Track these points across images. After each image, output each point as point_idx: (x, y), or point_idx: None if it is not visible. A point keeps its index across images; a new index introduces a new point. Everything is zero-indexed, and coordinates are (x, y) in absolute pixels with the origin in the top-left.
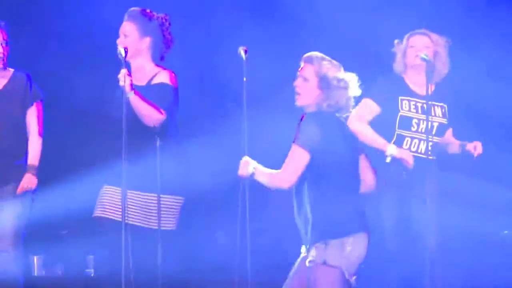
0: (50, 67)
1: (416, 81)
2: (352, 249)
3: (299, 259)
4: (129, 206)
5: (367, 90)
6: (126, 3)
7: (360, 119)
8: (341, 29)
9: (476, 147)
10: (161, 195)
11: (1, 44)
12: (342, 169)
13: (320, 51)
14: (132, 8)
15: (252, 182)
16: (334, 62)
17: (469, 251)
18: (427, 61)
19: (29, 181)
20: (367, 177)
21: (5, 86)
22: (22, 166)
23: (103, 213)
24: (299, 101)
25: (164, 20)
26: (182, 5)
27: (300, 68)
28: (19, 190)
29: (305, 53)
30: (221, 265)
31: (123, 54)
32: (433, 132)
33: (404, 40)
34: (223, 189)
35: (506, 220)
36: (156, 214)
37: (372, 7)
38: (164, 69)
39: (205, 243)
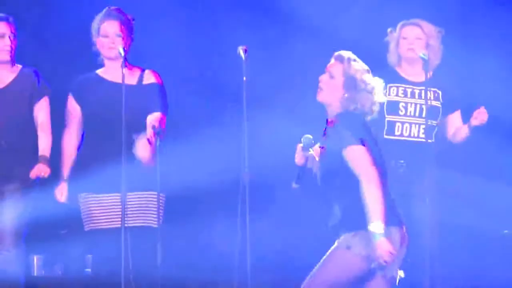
0: (49, 65)
1: (410, 72)
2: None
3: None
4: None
5: None
6: (125, 3)
7: None
8: (340, 29)
9: (480, 113)
10: (141, 193)
11: (9, 37)
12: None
13: (320, 51)
14: (112, 8)
15: (252, 182)
16: (364, 65)
17: (469, 251)
18: (425, 60)
19: (43, 169)
20: None
21: (13, 81)
22: (26, 165)
23: (99, 225)
24: (320, 96)
25: (132, 20)
26: (182, 5)
27: (329, 64)
28: (32, 174)
29: (304, 53)
30: (221, 265)
31: (123, 54)
32: (423, 115)
33: (397, 29)
34: (223, 189)
35: (506, 220)
36: (154, 212)
37: (371, 7)
38: (142, 68)
39: (204, 243)
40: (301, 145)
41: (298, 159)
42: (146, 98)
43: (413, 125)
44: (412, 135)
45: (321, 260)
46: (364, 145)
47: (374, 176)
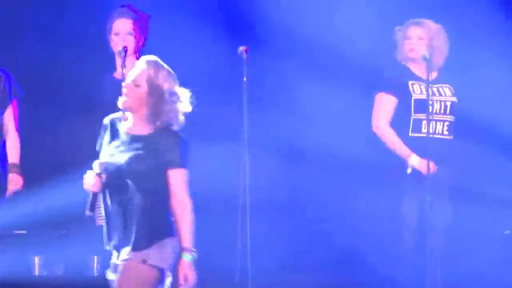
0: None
1: (418, 69)
2: (170, 250)
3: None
4: None
5: (377, 83)
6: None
7: (382, 121)
8: (340, 28)
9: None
10: None
11: None
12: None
13: (318, 51)
14: (125, 6)
15: (252, 181)
16: (172, 73)
17: (471, 251)
18: (427, 61)
19: (16, 181)
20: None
21: None
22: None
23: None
24: (124, 104)
25: (148, 18)
26: (182, 4)
27: (134, 70)
28: (8, 192)
29: (302, 53)
30: (221, 265)
31: (123, 54)
32: (447, 112)
33: (404, 28)
34: (222, 188)
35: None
36: None
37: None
38: None
39: (205, 243)
40: (97, 171)
41: (94, 186)
42: None
43: (438, 123)
44: (437, 132)
45: (116, 279)
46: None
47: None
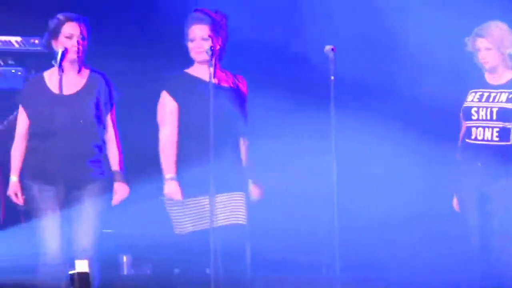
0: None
1: (492, 75)
2: None
3: None
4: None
5: None
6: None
7: None
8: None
9: None
10: (230, 193)
11: (79, 38)
12: None
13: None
14: (198, 10)
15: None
16: None
17: None
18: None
19: (122, 191)
20: None
21: (85, 85)
22: (98, 168)
23: (191, 228)
24: None
25: (223, 19)
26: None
27: None
28: (114, 202)
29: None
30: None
31: (209, 53)
32: (494, 118)
33: (471, 39)
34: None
35: None
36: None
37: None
38: (231, 72)
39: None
40: None
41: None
42: (238, 103)
43: (486, 129)
44: (485, 138)
45: None
46: None
47: None
